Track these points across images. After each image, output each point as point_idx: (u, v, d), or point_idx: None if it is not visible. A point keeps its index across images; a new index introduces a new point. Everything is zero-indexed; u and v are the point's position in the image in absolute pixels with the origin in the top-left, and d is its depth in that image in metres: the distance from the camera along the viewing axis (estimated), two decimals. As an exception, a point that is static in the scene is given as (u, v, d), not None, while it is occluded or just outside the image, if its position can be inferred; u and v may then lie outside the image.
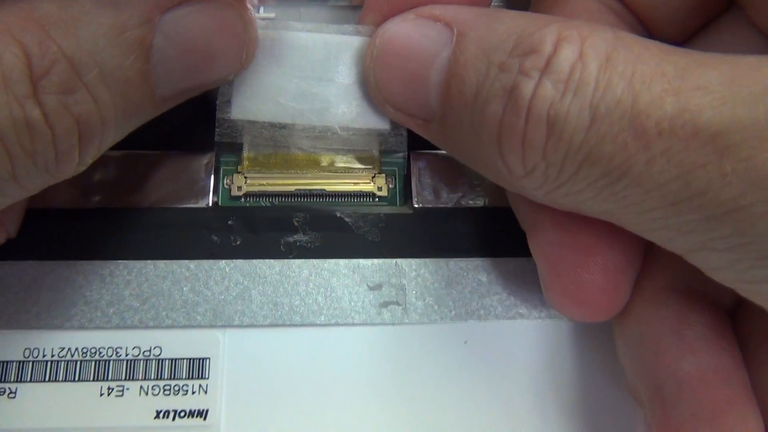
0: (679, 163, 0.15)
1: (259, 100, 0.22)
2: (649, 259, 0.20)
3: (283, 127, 0.22)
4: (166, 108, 0.19)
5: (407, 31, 0.20)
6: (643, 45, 0.16)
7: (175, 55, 0.18)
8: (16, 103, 0.15)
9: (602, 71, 0.16)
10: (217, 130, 0.22)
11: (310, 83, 0.22)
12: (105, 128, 0.17)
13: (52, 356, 0.22)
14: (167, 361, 0.22)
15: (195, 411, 0.21)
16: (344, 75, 0.22)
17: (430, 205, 0.24)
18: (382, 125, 0.22)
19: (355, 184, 0.24)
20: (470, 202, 0.24)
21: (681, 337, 0.18)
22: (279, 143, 0.22)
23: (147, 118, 0.19)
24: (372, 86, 0.21)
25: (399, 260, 0.23)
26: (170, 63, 0.18)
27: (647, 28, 0.21)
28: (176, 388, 0.22)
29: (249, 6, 0.20)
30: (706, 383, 0.18)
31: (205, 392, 0.22)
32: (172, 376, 0.22)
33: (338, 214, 0.24)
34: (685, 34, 0.21)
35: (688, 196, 0.15)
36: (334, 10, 0.26)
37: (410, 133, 0.22)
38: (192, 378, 0.22)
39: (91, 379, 0.21)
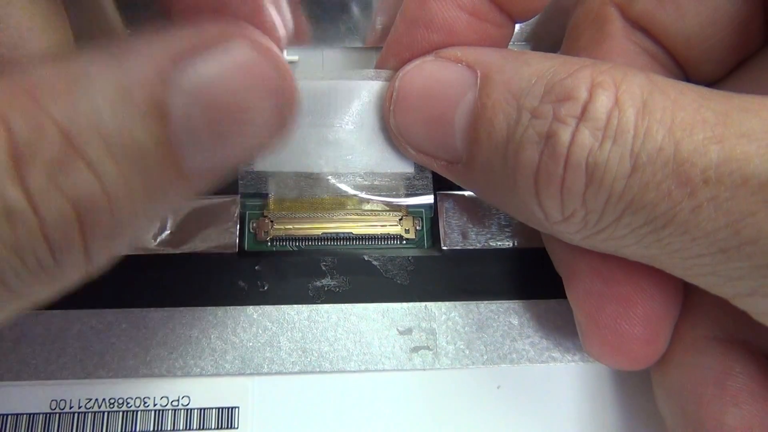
0: (728, 211, 0.15)
1: (283, 151, 0.21)
2: (687, 307, 0.20)
3: (308, 176, 0.22)
4: (202, 186, 0.16)
5: (428, 73, 0.20)
6: (678, 90, 0.16)
7: (198, 113, 0.15)
8: None
9: (640, 118, 0.16)
10: (241, 182, 0.22)
11: (333, 130, 0.21)
12: (118, 211, 0.14)
13: (80, 408, 0.21)
14: (196, 410, 0.21)
15: (225, 462, 0.21)
16: (366, 120, 0.21)
17: (458, 247, 0.24)
18: (407, 168, 0.22)
19: (382, 226, 0.24)
20: (499, 243, 0.24)
21: (724, 388, 0.18)
22: (304, 192, 0.22)
23: (180, 196, 0.16)
24: (392, 129, 0.21)
25: (428, 304, 0.23)
26: (193, 125, 0.15)
27: (683, 68, 0.21)
28: (205, 438, 0.21)
29: (282, 53, 0.17)
30: None
31: (235, 443, 0.21)
32: (201, 427, 0.21)
33: (366, 258, 0.23)
34: (723, 72, 0.21)
35: (737, 244, 0.15)
36: (356, 51, 0.26)
37: (435, 173, 0.22)
38: (221, 428, 0.21)
39: (119, 430, 0.21)
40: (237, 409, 0.21)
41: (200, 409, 0.21)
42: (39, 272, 0.14)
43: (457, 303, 0.23)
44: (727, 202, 0.15)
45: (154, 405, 0.21)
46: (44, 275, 0.14)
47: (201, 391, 0.22)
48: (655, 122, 0.15)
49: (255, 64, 0.16)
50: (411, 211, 0.24)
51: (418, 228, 0.24)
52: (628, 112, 0.16)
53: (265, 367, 0.22)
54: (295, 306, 0.23)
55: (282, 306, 0.23)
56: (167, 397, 0.21)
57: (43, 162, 0.13)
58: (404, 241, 0.24)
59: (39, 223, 0.13)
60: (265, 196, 0.23)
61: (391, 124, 0.21)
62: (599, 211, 0.16)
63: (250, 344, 0.22)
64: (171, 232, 0.23)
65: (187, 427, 0.21)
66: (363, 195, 0.22)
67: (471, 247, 0.24)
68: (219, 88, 0.15)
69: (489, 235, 0.24)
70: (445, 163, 0.20)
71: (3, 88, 0.13)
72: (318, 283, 0.23)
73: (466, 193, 0.24)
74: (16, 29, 0.17)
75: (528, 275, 0.23)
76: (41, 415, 0.21)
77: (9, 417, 0.21)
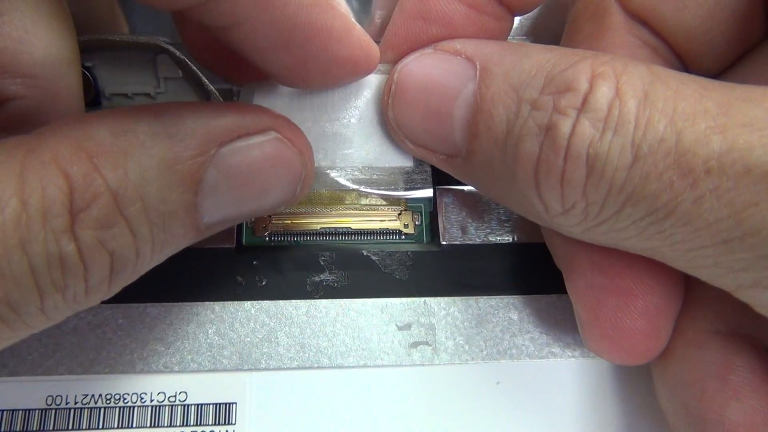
0: (730, 201, 0.14)
1: None
2: (689, 301, 0.20)
3: None
4: (210, 234, 0.18)
5: (427, 66, 0.20)
6: (679, 80, 0.16)
7: (226, 188, 0.17)
8: (53, 238, 0.14)
9: (641, 108, 0.15)
10: None
11: (333, 124, 0.21)
12: (142, 263, 0.16)
13: (76, 404, 0.21)
14: (193, 406, 0.21)
15: (222, 459, 0.21)
16: (365, 113, 0.21)
17: (457, 242, 0.24)
18: (405, 162, 0.22)
19: (381, 221, 0.24)
20: (498, 238, 0.24)
21: (725, 382, 0.18)
22: None
23: (188, 244, 0.18)
24: (391, 123, 0.21)
25: (428, 299, 0.23)
26: (220, 195, 0.17)
27: (684, 61, 0.21)
28: (203, 434, 0.21)
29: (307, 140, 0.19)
30: None
31: (233, 439, 0.21)
32: (198, 422, 0.21)
33: (365, 253, 0.23)
34: (723, 65, 0.21)
35: (740, 235, 0.15)
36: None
37: (434, 168, 0.21)
38: (218, 424, 0.21)
39: (116, 426, 0.21)
40: (235, 405, 0.21)
41: (197, 405, 0.21)
42: (72, 305, 0.16)
43: (457, 298, 0.23)
44: (730, 192, 0.14)
45: (151, 401, 0.21)
46: (75, 306, 0.16)
47: (198, 387, 0.21)
48: (657, 112, 0.15)
49: (283, 155, 0.18)
50: (410, 206, 0.24)
51: (417, 223, 0.24)
52: (629, 102, 0.16)
53: (263, 362, 0.22)
54: (293, 301, 0.22)
55: (280, 301, 0.22)
56: (164, 393, 0.21)
57: (94, 220, 0.15)
58: (403, 236, 0.24)
59: (84, 272, 0.15)
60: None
61: (390, 118, 0.20)
62: (600, 203, 0.16)
63: (248, 339, 0.22)
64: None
65: (185, 423, 0.21)
66: (362, 189, 0.22)
67: (470, 242, 0.24)
68: (249, 171, 0.17)
69: (488, 230, 0.24)
70: (444, 156, 0.20)
71: (67, 147, 0.15)
72: (316, 278, 0.23)
73: (466, 187, 0.24)
74: (21, 22, 0.17)
75: (528, 270, 0.23)
76: (37, 411, 0.21)
77: (5, 413, 0.21)
